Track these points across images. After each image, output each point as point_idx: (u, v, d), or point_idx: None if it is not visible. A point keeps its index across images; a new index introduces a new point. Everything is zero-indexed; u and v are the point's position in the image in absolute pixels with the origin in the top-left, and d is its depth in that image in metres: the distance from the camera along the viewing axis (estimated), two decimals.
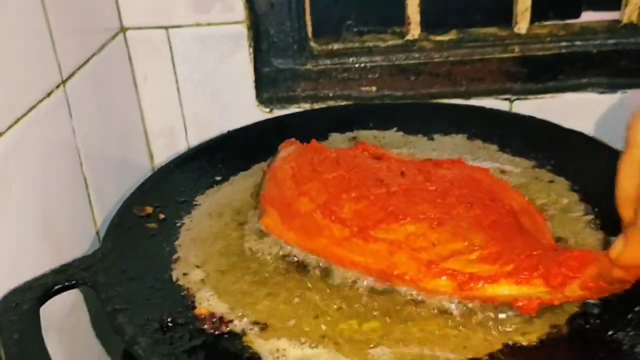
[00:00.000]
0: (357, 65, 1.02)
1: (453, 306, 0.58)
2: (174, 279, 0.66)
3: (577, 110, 1.06)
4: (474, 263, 0.59)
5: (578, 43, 1.05)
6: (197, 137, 1.06)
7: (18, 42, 0.69)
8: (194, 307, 0.61)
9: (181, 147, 1.06)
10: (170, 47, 1.05)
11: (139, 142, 1.07)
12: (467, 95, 1.04)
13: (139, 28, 1.02)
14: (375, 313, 0.59)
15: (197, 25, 1.03)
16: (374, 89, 1.06)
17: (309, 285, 0.63)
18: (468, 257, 0.59)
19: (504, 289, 0.57)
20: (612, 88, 1.04)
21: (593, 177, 0.74)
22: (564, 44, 1.04)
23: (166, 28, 1.03)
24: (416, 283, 0.60)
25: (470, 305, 0.58)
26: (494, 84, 1.04)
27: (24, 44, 0.70)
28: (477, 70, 1.03)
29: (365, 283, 0.62)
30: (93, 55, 0.90)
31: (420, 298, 0.60)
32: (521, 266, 0.57)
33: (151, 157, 1.12)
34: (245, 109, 1.04)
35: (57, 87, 0.75)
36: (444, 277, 0.59)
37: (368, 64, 1.03)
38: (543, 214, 0.69)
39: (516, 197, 0.69)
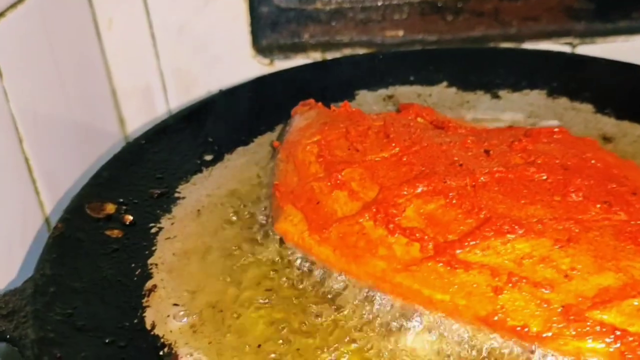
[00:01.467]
0: (379, 3, 0.83)
1: None
2: (148, 325, 0.40)
3: None
4: None
5: None
6: (180, 98, 0.86)
7: None
8: None
9: (160, 112, 0.86)
10: None
11: (105, 105, 0.83)
12: (519, 39, 0.84)
13: None
14: None
15: None
16: (400, 32, 0.85)
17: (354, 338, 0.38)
18: (633, 303, 0.33)
19: None
20: None
21: None
22: None
23: None
24: (544, 342, 0.34)
25: None
26: (552, 24, 0.84)
27: None
28: (532, 6, 0.83)
29: (452, 335, 0.37)
30: None
31: None
32: None
33: (122, 123, 0.86)
34: (239, 61, 0.84)
35: None
36: (595, 338, 0.33)
37: (393, 1, 0.83)
38: None
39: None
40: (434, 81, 0.66)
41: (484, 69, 0.66)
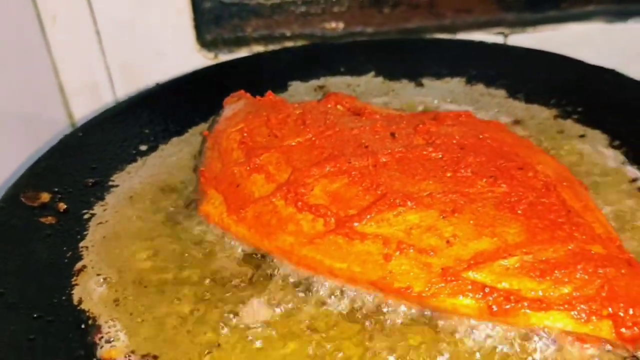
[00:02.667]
0: None
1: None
2: (75, 300, 0.44)
3: (582, 43, 0.88)
4: (511, 274, 0.38)
5: None
6: (128, 92, 0.88)
7: None
8: (101, 347, 0.40)
9: (108, 106, 0.84)
10: None
11: (53, 99, 0.85)
12: (453, 30, 0.88)
13: None
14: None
15: None
16: (341, 25, 0.89)
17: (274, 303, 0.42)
18: (502, 264, 0.38)
19: (555, 322, 0.37)
20: (622, 16, 0.88)
21: (637, 127, 0.54)
22: None
23: None
24: (425, 301, 0.39)
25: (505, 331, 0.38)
26: (484, 15, 0.88)
27: None
28: None
29: (348, 300, 0.41)
30: None
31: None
32: (582, 293, 0.37)
33: (71, 117, 0.89)
34: (184, 55, 0.87)
35: None
36: (468, 294, 0.38)
37: None
38: (583, 183, 0.49)
39: (549, 161, 0.49)
40: (363, 71, 0.70)
41: (409, 59, 0.70)
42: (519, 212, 0.41)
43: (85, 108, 0.89)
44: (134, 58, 0.87)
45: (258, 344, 0.40)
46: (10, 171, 0.66)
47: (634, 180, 0.51)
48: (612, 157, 0.53)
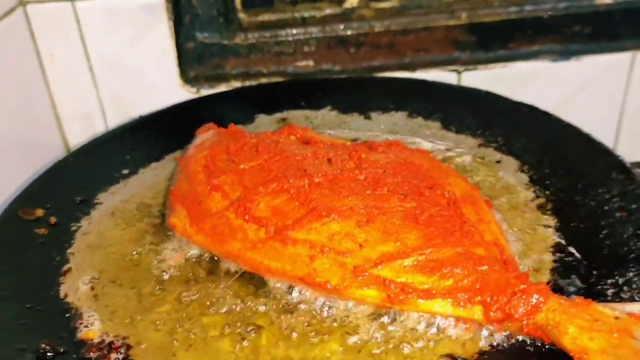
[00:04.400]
0: (291, 38, 0.96)
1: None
2: (61, 295, 0.55)
3: (530, 79, 1.00)
4: (408, 271, 0.50)
5: (528, 8, 0.99)
6: (119, 121, 0.98)
7: None
8: (81, 331, 0.51)
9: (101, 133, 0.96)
10: (78, 22, 0.93)
11: (50, 129, 0.96)
12: (413, 67, 0.98)
13: (40, 1, 0.90)
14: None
15: None
16: (311, 63, 0.99)
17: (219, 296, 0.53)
18: (401, 263, 0.50)
19: (439, 307, 0.48)
20: (565, 55, 0.99)
21: (544, 155, 0.66)
22: (513, 9, 0.97)
23: (71, 0, 0.91)
24: (339, 292, 0.50)
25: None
26: (440, 54, 0.98)
27: None
28: (422, 39, 0.97)
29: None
30: None
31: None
32: (461, 284, 0.48)
33: (66, 145, 1.01)
34: (169, 89, 0.97)
35: None
36: (372, 287, 0.49)
37: (303, 36, 0.96)
38: (489, 201, 0.60)
39: (459, 182, 0.60)
40: (320, 106, 0.81)
41: (361, 95, 0.81)
42: (421, 222, 0.53)
43: (79, 135, 1.00)
44: (124, 91, 0.97)
45: None
46: (10, 191, 0.78)
47: (534, 199, 0.62)
48: (520, 180, 0.65)
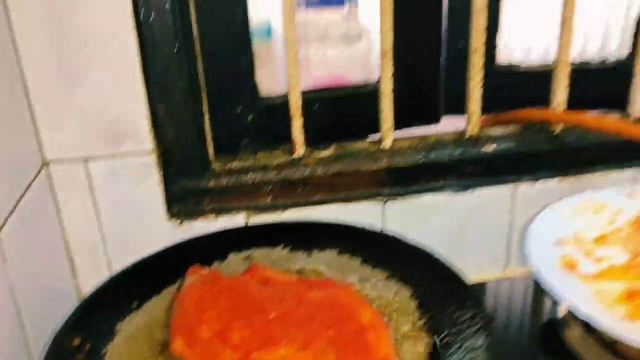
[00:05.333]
0: (252, 182, 1.20)
1: None
2: None
3: (438, 207, 1.33)
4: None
5: (433, 154, 1.31)
6: (117, 250, 1.24)
7: None
8: None
9: (102, 263, 1.20)
10: (89, 177, 1.22)
11: (64, 267, 1.23)
12: (347, 200, 1.23)
13: (60, 162, 1.19)
14: None
15: (112, 156, 1.21)
16: (269, 199, 1.27)
17: None
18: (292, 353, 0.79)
19: None
20: (463, 188, 1.32)
21: (430, 287, 0.97)
22: (422, 154, 1.30)
23: (85, 160, 1.21)
24: None
25: None
26: (368, 190, 1.24)
27: None
28: (354, 179, 1.23)
29: None
30: (21, 197, 1.05)
31: None
32: None
33: (73, 271, 1.28)
34: (158, 222, 1.18)
35: None
36: None
37: (262, 179, 1.20)
38: (388, 325, 0.91)
39: (367, 312, 0.91)
40: (276, 244, 1.01)
41: (306, 236, 1.08)
42: (340, 346, 0.83)
43: (87, 269, 1.29)
44: (121, 227, 1.24)
45: None
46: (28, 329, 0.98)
47: (419, 319, 0.93)
48: (411, 305, 0.96)
